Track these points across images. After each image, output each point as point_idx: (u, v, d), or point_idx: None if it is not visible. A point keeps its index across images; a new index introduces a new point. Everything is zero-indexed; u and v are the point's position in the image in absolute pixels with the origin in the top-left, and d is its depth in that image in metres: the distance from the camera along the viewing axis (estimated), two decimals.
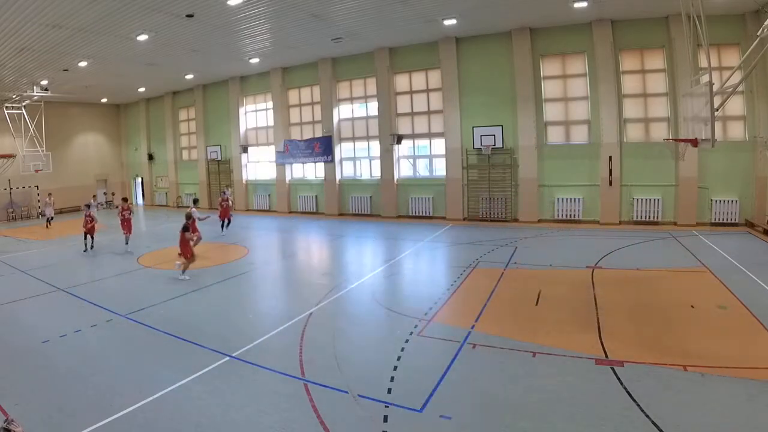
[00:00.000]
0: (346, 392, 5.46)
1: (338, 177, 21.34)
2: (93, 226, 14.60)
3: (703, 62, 10.60)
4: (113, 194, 30.23)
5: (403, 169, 20.14)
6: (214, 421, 5.01)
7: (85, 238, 14.52)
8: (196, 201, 16.08)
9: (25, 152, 23.04)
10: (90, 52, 16.43)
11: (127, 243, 14.98)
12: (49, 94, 21.72)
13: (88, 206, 15.21)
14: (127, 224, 15.01)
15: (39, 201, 26.51)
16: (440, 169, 19.20)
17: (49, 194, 22.23)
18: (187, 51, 17.56)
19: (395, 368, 6.06)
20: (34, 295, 10.10)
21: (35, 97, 21.70)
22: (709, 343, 6.41)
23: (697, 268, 10.25)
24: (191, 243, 11.65)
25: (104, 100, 29.24)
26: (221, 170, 25.83)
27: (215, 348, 6.86)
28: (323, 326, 7.71)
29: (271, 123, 23.65)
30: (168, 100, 28.11)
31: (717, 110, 8.90)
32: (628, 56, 15.83)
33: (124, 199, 16.45)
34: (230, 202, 17.50)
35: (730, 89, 9.08)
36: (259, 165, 24.80)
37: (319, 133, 21.65)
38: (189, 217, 11.92)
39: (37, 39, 14.24)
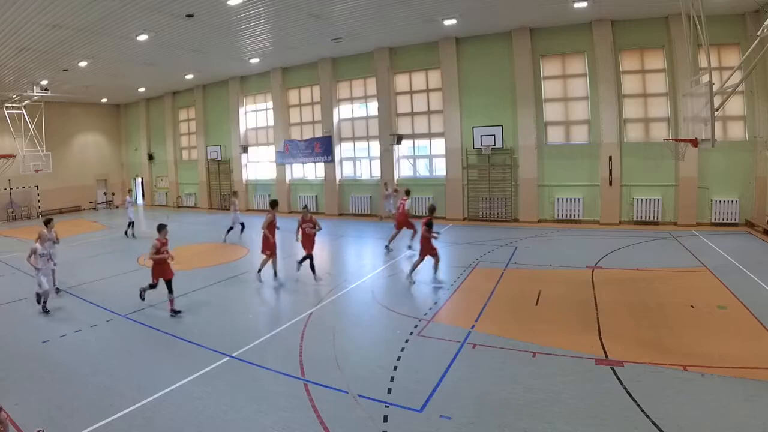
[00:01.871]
0: (346, 392, 5.47)
1: (338, 177, 21.33)
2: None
3: (703, 62, 10.59)
4: (113, 194, 30.27)
5: (403, 169, 20.14)
6: (214, 421, 5.01)
7: (153, 287, 8.61)
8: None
9: (25, 152, 23.02)
10: (90, 52, 16.43)
11: (314, 271, 10.45)
12: (49, 94, 21.72)
13: (164, 227, 8.70)
14: (309, 241, 10.44)
15: (38, 203, 26.51)
16: (440, 169, 19.20)
17: (130, 190, 19.24)
18: (187, 51, 17.56)
19: (395, 368, 6.06)
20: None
21: (35, 97, 21.69)
22: (709, 343, 6.41)
23: (697, 268, 10.24)
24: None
25: (104, 100, 29.25)
26: (221, 170, 25.84)
27: (215, 348, 6.86)
28: (323, 326, 7.71)
29: (271, 123, 23.65)
30: (168, 100, 28.11)
31: (717, 110, 8.92)
32: (628, 56, 15.82)
33: (306, 207, 10.93)
34: (406, 206, 13.32)
35: (730, 89, 9.09)
36: (259, 165, 24.81)
37: (319, 133, 21.65)
38: (433, 209, 10.28)
39: (37, 39, 14.24)
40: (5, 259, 14.00)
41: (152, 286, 8.59)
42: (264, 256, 10.39)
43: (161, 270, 8.51)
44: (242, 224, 16.06)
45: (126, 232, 17.51)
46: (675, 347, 6.37)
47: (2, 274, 12.21)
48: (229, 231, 15.77)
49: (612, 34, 15.53)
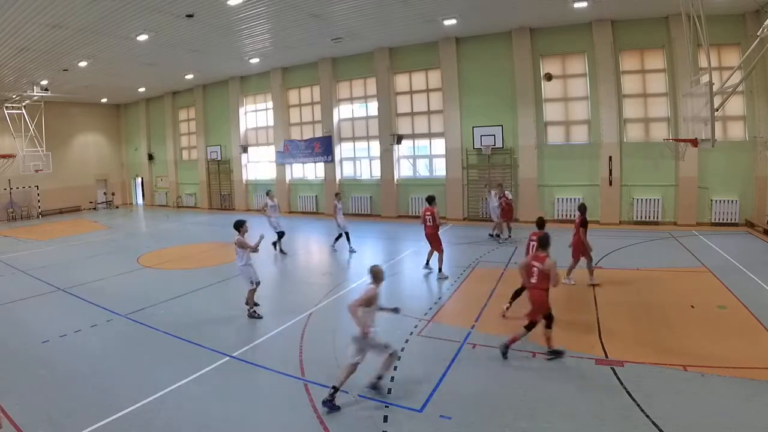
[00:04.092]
0: (346, 392, 5.46)
1: (338, 177, 21.33)
2: None
3: (703, 62, 10.60)
4: (113, 194, 30.26)
5: (403, 169, 20.14)
6: (214, 421, 5.01)
7: (530, 328, 6.38)
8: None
9: (25, 152, 23.01)
10: (90, 52, 16.43)
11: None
12: (49, 94, 21.71)
13: (549, 240, 6.96)
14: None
15: (38, 203, 26.47)
16: (440, 169, 19.19)
17: (269, 191, 14.63)
18: (187, 51, 17.55)
19: (395, 368, 6.06)
20: (34, 295, 10.11)
21: (35, 97, 21.68)
22: (709, 343, 6.40)
23: (697, 268, 10.24)
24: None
25: (104, 100, 29.25)
26: (221, 170, 25.84)
27: (215, 348, 6.85)
28: (323, 326, 7.71)
29: (271, 123, 23.64)
30: (168, 100, 28.10)
31: (717, 110, 8.92)
32: (628, 56, 15.82)
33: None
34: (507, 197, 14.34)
35: (730, 89, 9.10)
36: (259, 165, 24.80)
37: (319, 133, 21.65)
38: (584, 208, 9.48)
39: (37, 39, 14.24)
40: (5, 259, 13.99)
41: (530, 327, 6.30)
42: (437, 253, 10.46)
43: (546, 301, 6.36)
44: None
45: (276, 245, 13.54)
46: (675, 347, 6.37)
47: (2, 274, 12.20)
48: (338, 239, 13.69)
49: (612, 34, 15.53)
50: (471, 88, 17.92)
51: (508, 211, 14.42)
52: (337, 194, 14.60)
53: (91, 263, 13.39)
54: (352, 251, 13.36)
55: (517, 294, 7.79)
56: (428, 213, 10.51)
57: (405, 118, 19.71)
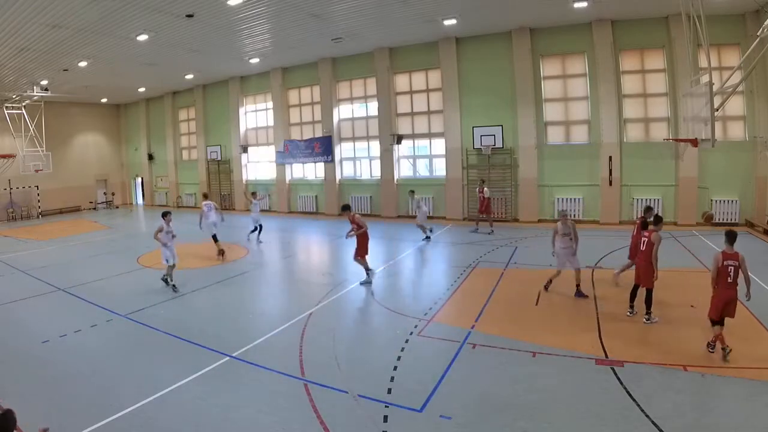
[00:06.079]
0: (346, 392, 5.46)
1: (338, 177, 21.33)
2: None
3: (703, 62, 10.59)
4: (113, 194, 30.25)
5: (403, 169, 20.14)
6: (214, 421, 5.01)
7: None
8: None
9: (25, 152, 23.02)
10: (90, 52, 16.42)
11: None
12: (49, 94, 21.71)
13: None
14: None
15: (38, 203, 26.47)
16: (440, 169, 19.19)
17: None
18: (187, 51, 17.55)
19: (395, 368, 6.06)
20: (34, 295, 10.10)
21: (35, 97, 21.68)
22: None
23: (698, 268, 10.24)
24: None
25: (104, 100, 29.24)
26: (221, 170, 25.84)
27: (215, 348, 6.86)
28: (323, 326, 7.71)
29: (271, 123, 23.64)
30: (168, 100, 28.10)
31: (717, 110, 8.92)
32: (628, 56, 15.82)
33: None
34: (485, 194, 15.62)
35: (730, 89, 9.09)
36: (259, 165, 24.81)
37: (319, 133, 21.65)
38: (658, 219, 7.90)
39: (37, 39, 14.24)
40: (5, 259, 13.99)
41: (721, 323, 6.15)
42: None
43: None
44: (260, 225, 15.77)
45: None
46: (675, 347, 6.37)
47: (2, 274, 12.20)
48: (252, 231, 15.78)
49: (612, 34, 15.53)
50: (471, 88, 17.92)
51: (486, 207, 15.58)
52: (253, 193, 17.17)
53: (91, 263, 13.38)
54: (260, 242, 15.35)
55: (633, 295, 7.67)
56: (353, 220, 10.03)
57: (405, 118, 19.71)
